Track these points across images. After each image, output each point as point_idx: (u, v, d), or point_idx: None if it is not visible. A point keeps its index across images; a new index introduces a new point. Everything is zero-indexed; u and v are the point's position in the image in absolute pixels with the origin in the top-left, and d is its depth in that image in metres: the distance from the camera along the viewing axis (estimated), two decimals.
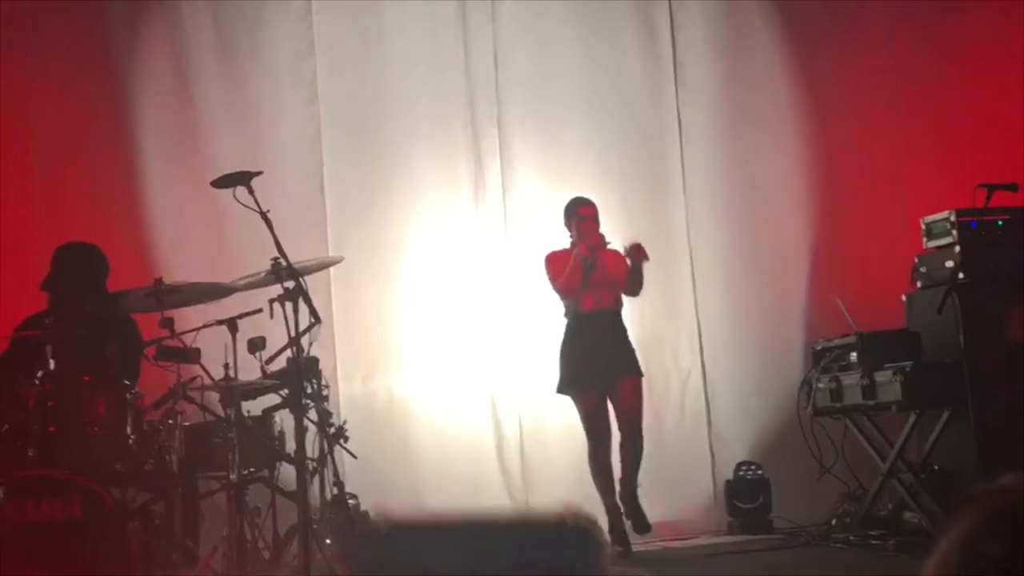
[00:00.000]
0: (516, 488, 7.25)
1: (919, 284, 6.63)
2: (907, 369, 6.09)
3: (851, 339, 6.53)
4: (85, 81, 7.01)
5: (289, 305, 4.81)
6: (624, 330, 6.60)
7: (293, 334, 4.80)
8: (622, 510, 6.44)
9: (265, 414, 5.50)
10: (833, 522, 6.63)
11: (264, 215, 4.84)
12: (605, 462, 6.45)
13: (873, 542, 6.16)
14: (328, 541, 5.07)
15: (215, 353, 5.22)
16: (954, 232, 6.34)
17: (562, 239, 6.71)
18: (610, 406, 6.50)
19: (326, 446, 5.36)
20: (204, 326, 5.27)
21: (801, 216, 7.81)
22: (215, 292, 5.31)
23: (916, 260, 6.63)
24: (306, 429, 4.90)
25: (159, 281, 5.09)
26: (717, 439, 7.50)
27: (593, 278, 6.44)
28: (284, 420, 5.43)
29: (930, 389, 6.12)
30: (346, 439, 5.58)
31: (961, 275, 6.17)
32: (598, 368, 6.41)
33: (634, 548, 6.48)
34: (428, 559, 1.32)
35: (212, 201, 5.94)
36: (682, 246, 7.62)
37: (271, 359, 5.25)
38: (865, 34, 7.86)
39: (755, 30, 7.85)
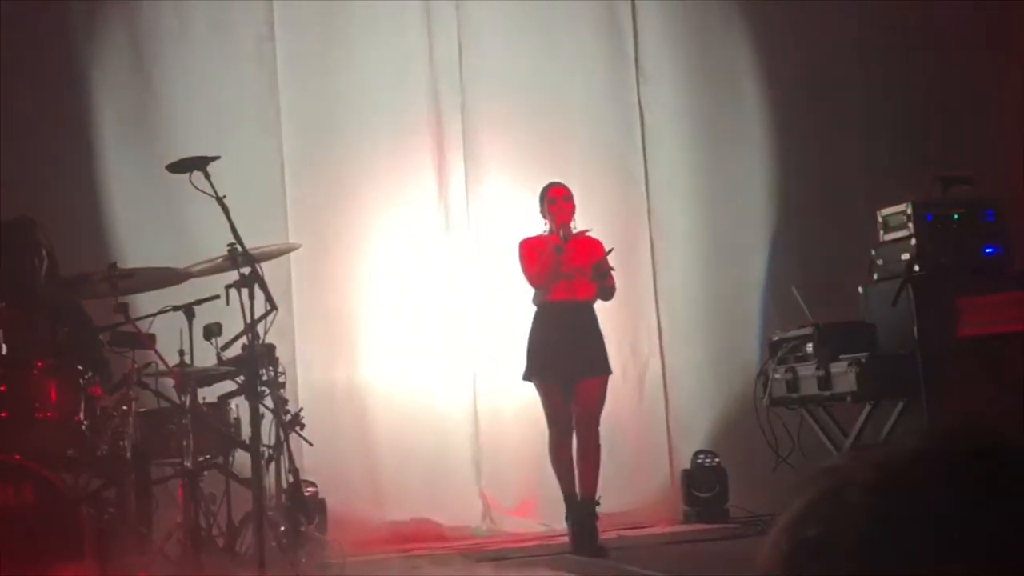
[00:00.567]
0: (475, 477, 7.26)
1: (876, 276, 6.68)
2: (862, 360, 6.14)
3: (807, 330, 6.57)
4: (43, 62, 6.93)
5: (245, 292, 4.79)
6: (594, 322, 6.36)
7: (249, 321, 4.78)
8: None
9: (220, 401, 5.47)
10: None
11: (220, 200, 4.81)
12: (566, 453, 6.33)
13: None
14: (282, 528, 5.05)
15: (171, 339, 5.19)
16: (910, 225, 6.39)
17: (523, 228, 6.59)
18: None
19: (282, 433, 5.33)
20: (160, 312, 5.24)
21: (761, 207, 7.87)
22: (171, 278, 5.27)
23: (873, 252, 6.68)
24: (262, 416, 4.89)
25: (113, 266, 5.05)
26: (675, 428, 7.54)
27: (563, 266, 6.23)
28: (240, 407, 5.40)
29: (884, 381, 6.17)
30: (302, 426, 5.56)
31: (916, 267, 6.22)
32: (564, 363, 6.24)
33: None
34: None
35: (169, 186, 5.89)
36: (643, 236, 7.65)
37: (227, 345, 5.21)
38: (827, 29, 7.91)
39: (717, 25, 7.90)
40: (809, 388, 6.49)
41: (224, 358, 5.31)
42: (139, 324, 5.08)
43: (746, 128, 7.90)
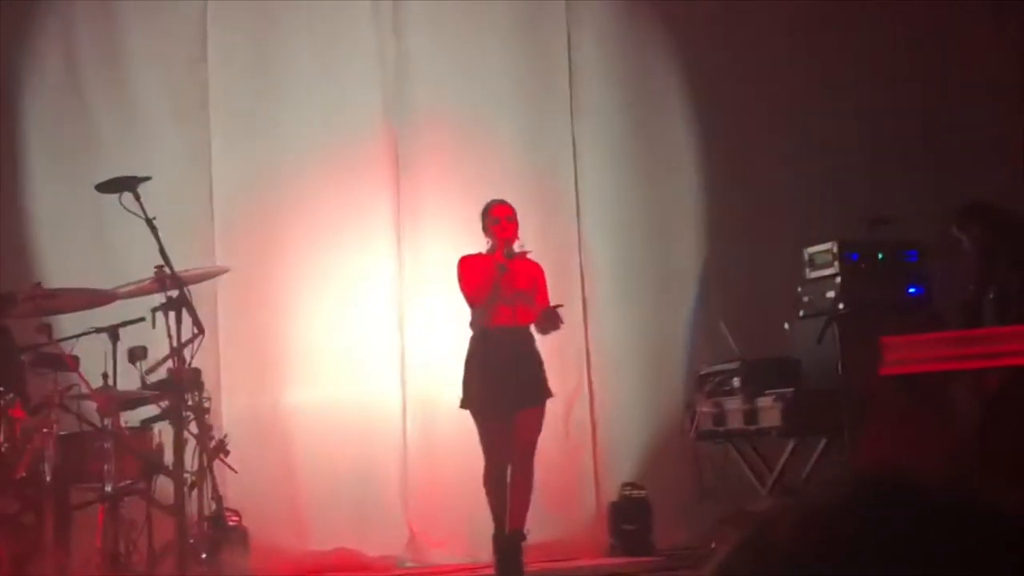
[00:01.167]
0: (402, 507, 7.20)
1: (801, 313, 6.77)
2: (787, 396, 6.22)
3: (735, 365, 6.64)
4: None
5: (172, 315, 4.74)
6: (533, 347, 6.15)
7: (175, 344, 4.73)
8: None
9: (144, 425, 5.40)
10: (714, 545, 6.72)
11: (150, 222, 4.77)
12: (500, 484, 6.09)
13: None
14: (204, 556, 4.98)
15: (94, 361, 5.12)
16: (836, 263, 6.50)
17: (459, 248, 6.41)
18: None
19: (206, 460, 5.26)
20: (83, 333, 5.17)
21: (691, 240, 7.94)
22: (96, 299, 5.20)
23: (799, 289, 6.78)
24: (186, 442, 4.83)
25: (37, 286, 4.97)
26: (602, 459, 7.55)
27: (504, 290, 5.98)
28: (163, 432, 5.32)
29: (809, 416, 6.26)
30: (227, 453, 5.49)
31: (841, 305, 6.32)
32: (503, 394, 6.00)
33: None
34: None
35: (97, 206, 5.82)
36: (573, 266, 7.68)
37: (152, 369, 5.15)
38: (762, 66, 8.00)
39: (652, 60, 7.97)
40: (735, 422, 6.55)
41: (148, 382, 5.25)
42: (62, 345, 5.01)
43: (677, 162, 7.97)
